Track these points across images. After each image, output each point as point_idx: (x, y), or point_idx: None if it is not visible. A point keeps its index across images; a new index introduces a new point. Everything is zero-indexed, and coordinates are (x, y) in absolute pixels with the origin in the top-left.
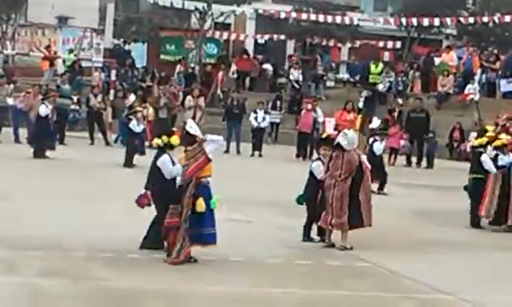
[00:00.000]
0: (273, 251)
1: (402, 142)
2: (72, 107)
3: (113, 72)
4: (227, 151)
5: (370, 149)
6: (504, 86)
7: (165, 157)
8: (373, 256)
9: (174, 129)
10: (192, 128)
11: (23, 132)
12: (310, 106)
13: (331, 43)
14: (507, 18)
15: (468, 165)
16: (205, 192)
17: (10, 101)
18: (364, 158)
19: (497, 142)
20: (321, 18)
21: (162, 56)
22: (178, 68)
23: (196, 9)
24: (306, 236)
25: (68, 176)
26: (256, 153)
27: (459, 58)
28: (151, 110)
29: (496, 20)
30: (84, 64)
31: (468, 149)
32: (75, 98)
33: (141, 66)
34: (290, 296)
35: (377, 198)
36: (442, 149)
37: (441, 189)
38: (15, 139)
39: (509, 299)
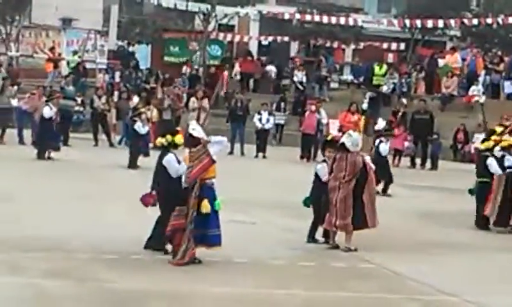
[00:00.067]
0: (277, 252)
1: (406, 143)
2: (76, 108)
3: (117, 74)
4: (231, 152)
5: (376, 150)
6: (508, 87)
7: (170, 156)
8: (377, 257)
9: (178, 128)
10: (196, 130)
11: (27, 134)
12: (314, 108)
13: (335, 44)
14: (511, 20)
15: (472, 166)
16: (210, 193)
17: (14, 102)
18: (368, 159)
19: (504, 143)
20: (325, 19)
21: (166, 58)
22: (185, 69)
23: (200, 10)
24: (311, 238)
25: (72, 177)
26: (261, 154)
27: (463, 60)
28: (155, 111)
29: (500, 22)
30: (88, 65)
31: (473, 151)
32: (79, 100)
33: (145, 67)
34: (294, 297)
35: (382, 200)
36: (446, 151)
37: (445, 191)
38: (19, 141)
39: None
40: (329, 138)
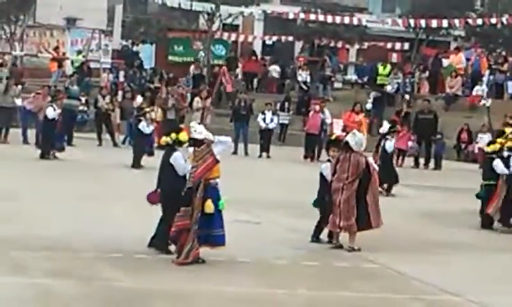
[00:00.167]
0: (281, 252)
1: (410, 143)
2: (80, 108)
3: (121, 73)
4: (235, 152)
5: (383, 149)
6: None
7: (177, 154)
8: (381, 257)
9: (182, 126)
10: (197, 131)
11: (31, 133)
12: (317, 107)
13: (339, 44)
14: None
15: (475, 166)
16: (214, 193)
17: (18, 102)
18: (371, 160)
19: (510, 143)
20: (329, 19)
21: (170, 57)
22: (192, 69)
23: (205, 10)
24: (315, 237)
25: (76, 176)
26: (264, 154)
27: (467, 59)
28: (159, 111)
29: (505, 22)
30: (92, 65)
31: (476, 151)
32: (83, 99)
33: (149, 67)
34: (297, 297)
35: (385, 200)
36: (450, 151)
37: (449, 190)
38: (23, 140)
39: None
40: (333, 137)
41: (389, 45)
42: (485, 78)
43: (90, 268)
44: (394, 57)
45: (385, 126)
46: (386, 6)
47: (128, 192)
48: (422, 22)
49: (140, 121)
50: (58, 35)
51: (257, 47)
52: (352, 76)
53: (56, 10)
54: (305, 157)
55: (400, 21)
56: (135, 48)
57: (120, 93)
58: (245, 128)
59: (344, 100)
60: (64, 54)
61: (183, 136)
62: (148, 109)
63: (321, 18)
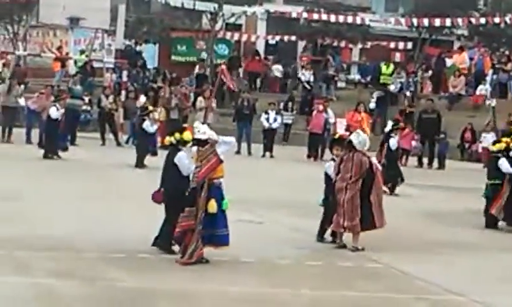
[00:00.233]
0: (284, 251)
1: (413, 143)
2: (84, 107)
3: (124, 73)
4: (238, 152)
5: (387, 147)
6: None
7: (182, 153)
8: (385, 257)
9: (185, 125)
10: (201, 131)
11: (35, 133)
12: (321, 107)
13: (343, 43)
14: None
15: (479, 166)
16: (217, 193)
17: (22, 102)
18: (374, 160)
19: None
20: (332, 18)
21: (173, 57)
22: (197, 69)
23: (208, 10)
24: (320, 237)
25: (79, 176)
26: (268, 153)
27: (471, 59)
28: (162, 111)
29: (508, 21)
30: (95, 65)
31: (480, 150)
32: (86, 99)
33: (152, 67)
34: (301, 297)
35: (389, 199)
36: (453, 150)
37: (452, 190)
38: (26, 140)
39: None
40: (337, 136)
41: (392, 45)
42: (488, 78)
43: (93, 268)
44: (397, 56)
45: (389, 126)
46: (389, 6)
47: (132, 192)
48: (425, 21)
49: (144, 120)
50: (61, 35)
51: (260, 47)
52: (355, 75)
53: (59, 10)
54: (308, 157)
55: (403, 20)
56: (138, 48)
57: (123, 92)
58: (248, 128)
59: (347, 100)
60: (67, 53)
61: (187, 136)
62: (151, 108)
63: (324, 17)
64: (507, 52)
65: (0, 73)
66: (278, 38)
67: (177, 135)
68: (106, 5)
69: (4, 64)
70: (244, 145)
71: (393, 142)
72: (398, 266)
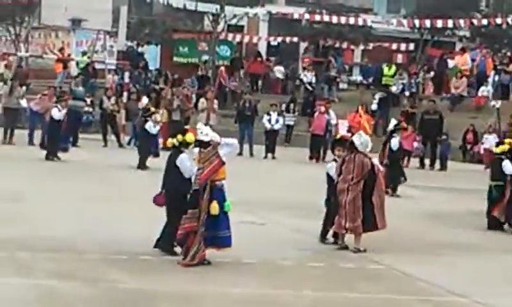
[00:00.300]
0: (286, 252)
1: (415, 144)
2: (86, 109)
3: (126, 74)
4: (240, 153)
5: (389, 148)
6: None
7: (184, 156)
8: (387, 258)
9: (187, 127)
10: (204, 133)
11: (37, 134)
12: (323, 108)
13: (344, 45)
14: None
15: (481, 167)
16: (220, 195)
17: (23, 103)
18: (376, 161)
19: None
20: (334, 20)
21: (175, 58)
22: (201, 70)
23: (209, 11)
24: (323, 238)
25: (81, 178)
26: (270, 155)
27: (473, 60)
28: (164, 112)
29: (510, 22)
30: (97, 66)
31: (482, 152)
32: (88, 100)
33: (154, 68)
34: (303, 298)
35: (391, 200)
36: (455, 152)
37: (454, 191)
38: (28, 141)
39: None
40: (338, 137)
41: (394, 46)
42: (490, 79)
43: (95, 269)
44: (399, 57)
45: (392, 124)
46: (391, 7)
47: (134, 194)
48: (427, 23)
49: (146, 121)
50: (63, 36)
51: (262, 48)
52: (357, 77)
53: (61, 11)
54: (310, 158)
55: (405, 22)
56: (140, 50)
57: (125, 94)
58: (250, 129)
59: (349, 101)
60: (69, 55)
61: (189, 138)
62: (153, 110)
63: (326, 18)
64: (509, 53)
65: (2, 74)
66: (279, 39)
67: (179, 137)
68: (108, 6)
69: (6, 66)
70: (246, 146)
71: (394, 143)
72: (400, 267)
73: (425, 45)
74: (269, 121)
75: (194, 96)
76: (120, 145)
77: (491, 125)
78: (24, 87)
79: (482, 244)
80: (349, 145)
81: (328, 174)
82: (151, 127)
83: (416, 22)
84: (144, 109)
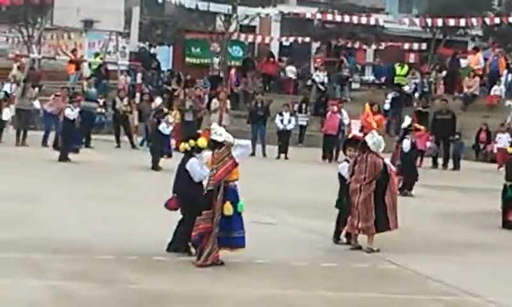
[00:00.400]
0: (299, 253)
1: (428, 143)
2: (98, 110)
3: (139, 75)
4: (253, 153)
5: (401, 149)
6: None
7: (193, 160)
8: (400, 258)
9: (199, 131)
10: (218, 133)
11: (51, 136)
12: (335, 108)
13: (357, 45)
14: None
15: (494, 166)
16: (233, 195)
17: (36, 104)
18: (388, 161)
19: None
20: (346, 19)
21: (187, 59)
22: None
23: (222, 11)
24: (337, 238)
25: (95, 179)
26: (282, 155)
27: (485, 59)
28: (177, 113)
29: None
30: (109, 67)
31: (495, 151)
32: (101, 102)
33: (167, 69)
34: (316, 299)
35: (404, 200)
36: (468, 151)
37: (467, 191)
38: (42, 142)
39: None
40: (349, 136)
41: (406, 46)
42: (503, 78)
43: (109, 270)
44: (411, 57)
45: (407, 121)
46: (403, 6)
47: (147, 194)
48: (439, 22)
49: (159, 122)
50: (76, 37)
51: (274, 48)
52: (369, 76)
53: (73, 13)
54: (323, 158)
55: (417, 21)
56: (152, 50)
57: (138, 95)
58: (262, 130)
59: (361, 101)
60: (81, 56)
61: (201, 142)
62: (166, 110)
63: (338, 18)
64: None
65: (14, 76)
66: (292, 39)
67: (192, 142)
68: (120, 8)
69: (18, 67)
70: (258, 147)
71: (406, 145)
72: (413, 267)
73: (438, 45)
74: (282, 121)
75: (206, 96)
76: (133, 146)
77: (504, 124)
78: (37, 89)
79: (496, 243)
80: (361, 145)
81: (339, 175)
82: (164, 128)
83: (429, 21)
84: (157, 109)
